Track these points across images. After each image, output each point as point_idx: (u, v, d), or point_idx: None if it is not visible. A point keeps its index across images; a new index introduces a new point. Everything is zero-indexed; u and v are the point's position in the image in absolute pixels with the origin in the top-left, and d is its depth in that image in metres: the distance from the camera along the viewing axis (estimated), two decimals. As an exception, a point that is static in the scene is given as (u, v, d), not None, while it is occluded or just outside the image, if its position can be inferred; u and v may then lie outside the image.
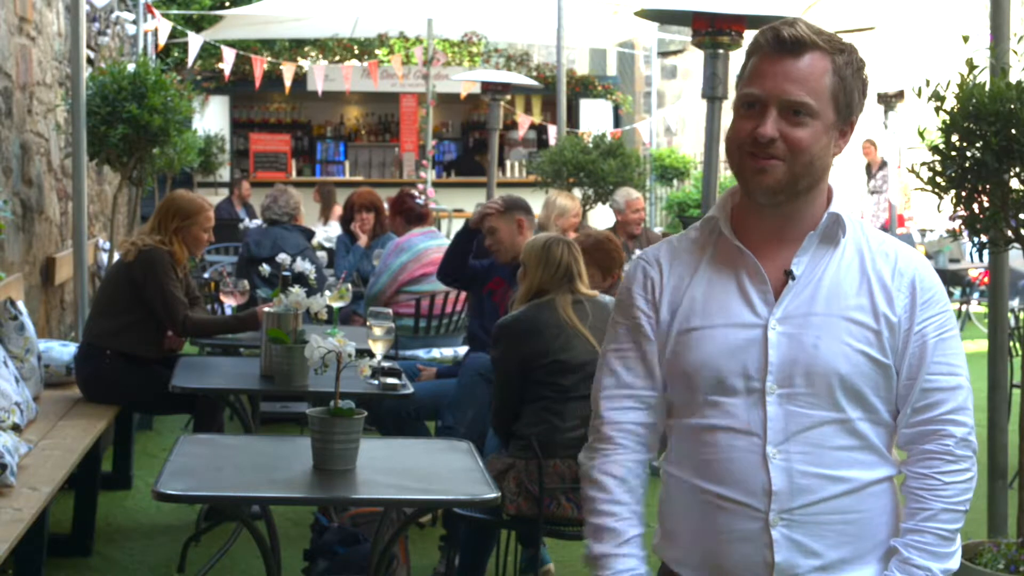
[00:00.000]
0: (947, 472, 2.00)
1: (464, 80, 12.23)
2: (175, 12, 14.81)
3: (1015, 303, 8.61)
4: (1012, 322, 6.63)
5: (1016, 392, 6.60)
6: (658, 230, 13.25)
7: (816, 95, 1.97)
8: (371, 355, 4.44)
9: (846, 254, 2.04)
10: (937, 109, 3.86)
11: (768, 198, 2.01)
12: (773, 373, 1.98)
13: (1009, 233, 3.92)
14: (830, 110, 1.99)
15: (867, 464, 2.00)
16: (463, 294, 6.62)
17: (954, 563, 2.01)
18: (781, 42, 1.97)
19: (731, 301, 2.04)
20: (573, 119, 15.77)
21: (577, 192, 9.21)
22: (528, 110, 16.18)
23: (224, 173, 15.17)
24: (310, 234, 7.91)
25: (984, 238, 3.95)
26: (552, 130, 13.26)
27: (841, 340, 1.98)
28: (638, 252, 2.01)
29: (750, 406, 1.99)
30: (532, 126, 14.98)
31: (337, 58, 16.23)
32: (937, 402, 2.01)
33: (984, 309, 12.12)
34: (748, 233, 2.07)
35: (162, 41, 11.91)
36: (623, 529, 2.10)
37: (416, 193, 7.83)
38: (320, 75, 13.29)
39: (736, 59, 4.60)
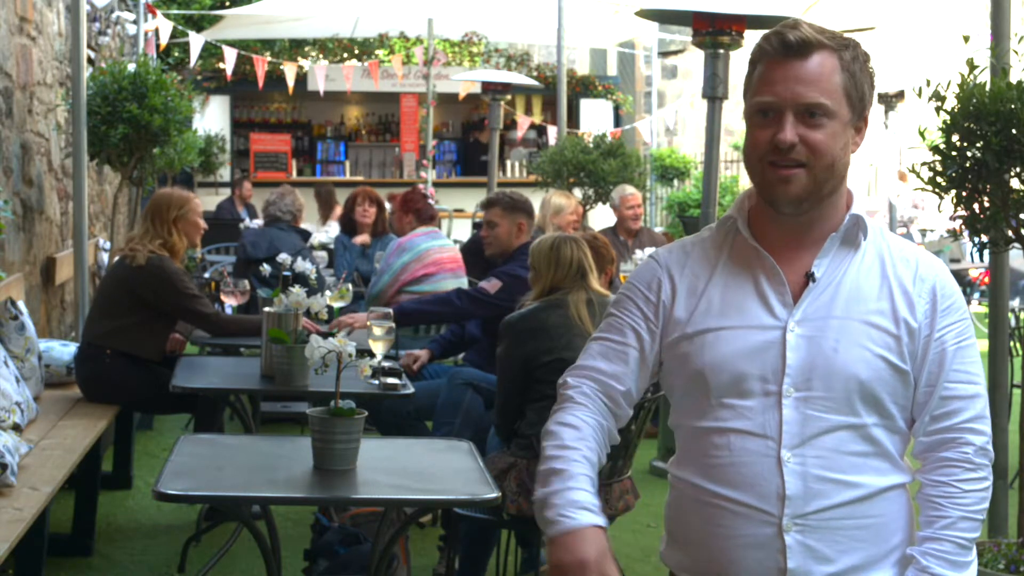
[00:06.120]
0: (966, 480, 1.99)
1: (464, 80, 12.24)
2: (175, 12, 14.80)
3: (1015, 303, 8.62)
4: (1012, 322, 6.63)
5: (1016, 392, 6.59)
6: (658, 230, 13.24)
7: (830, 94, 1.95)
8: (371, 355, 4.44)
9: (867, 258, 2.02)
10: (938, 109, 3.86)
11: (794, 207, 1.99)
12: (791, 376, 1.96)
13: (1009, 233, 3.92)
14: (845, 107, 1.97)
15: (880, 470, 1.99)
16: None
17: (971, 572, 1.99)
18: (787, 45, 1.95)
19: (748, 302, 2.01)
20: (573, 119, 15.76)
21: (577, 192, 9.22)
22: (528, 110, 16.17)
23: (224, 173, 15.17)
24: (307, 235, 7.90)
25: (984, 238, 3.95)
26: (552, 130, 13.26)
27: (861, 344, 1.96)
28: (650, 250, 2.00)
29: (765, 409, 1.97)
30: (532, 126, 14.98)
31: (337, 58, 16.23)
32: (956, 410, 2.00)
33: (984, 309, 12.12)
34: (767, 235, 2.04)
35: (163, 41, 11.91)
36: (570, 469, 1.98)
37: (428, 194, 7.84)
38: (321, 75, 13.28)
39: (737, 59, 4.63)
